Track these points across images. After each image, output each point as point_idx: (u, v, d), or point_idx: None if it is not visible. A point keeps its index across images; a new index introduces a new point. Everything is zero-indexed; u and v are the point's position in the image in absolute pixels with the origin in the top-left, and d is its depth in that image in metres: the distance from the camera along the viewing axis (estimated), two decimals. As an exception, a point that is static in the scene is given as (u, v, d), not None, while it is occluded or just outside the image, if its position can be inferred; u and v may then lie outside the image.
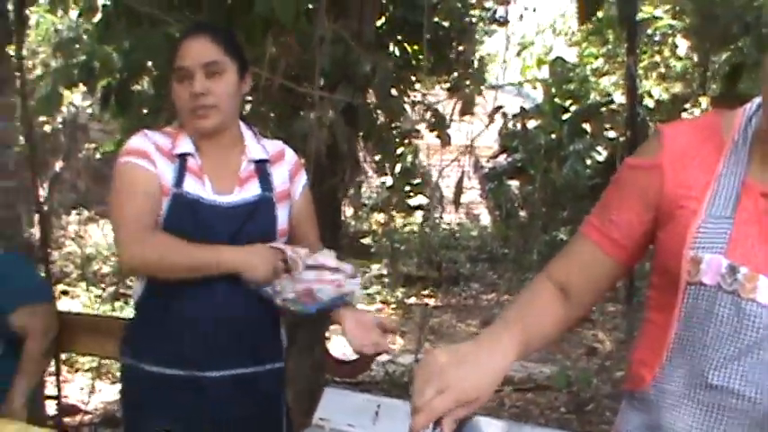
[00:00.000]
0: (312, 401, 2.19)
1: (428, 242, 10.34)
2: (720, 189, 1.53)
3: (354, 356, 5.49)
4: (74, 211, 11.29)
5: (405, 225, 10.98)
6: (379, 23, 5.49)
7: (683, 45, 11.02)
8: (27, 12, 4.69)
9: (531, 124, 8.86)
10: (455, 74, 6.86)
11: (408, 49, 6.38)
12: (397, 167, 7.06)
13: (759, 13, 7.81)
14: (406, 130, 6.50)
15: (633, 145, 5.12)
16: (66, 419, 5.12)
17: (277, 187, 2.54)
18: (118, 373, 6.12)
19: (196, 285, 2.43)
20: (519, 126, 7.39)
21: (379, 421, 1.85)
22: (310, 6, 4.07)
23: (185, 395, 2.51)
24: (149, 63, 4.38)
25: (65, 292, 8.49)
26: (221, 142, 2.53)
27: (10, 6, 4.16)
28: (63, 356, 4.87)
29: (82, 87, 5.14)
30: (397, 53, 6.33)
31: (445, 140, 5.03)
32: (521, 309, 1.66)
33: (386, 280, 10.10)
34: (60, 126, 9.18)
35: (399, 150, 7.18)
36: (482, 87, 5.87)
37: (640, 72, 9.82)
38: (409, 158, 7.71)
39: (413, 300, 9.56)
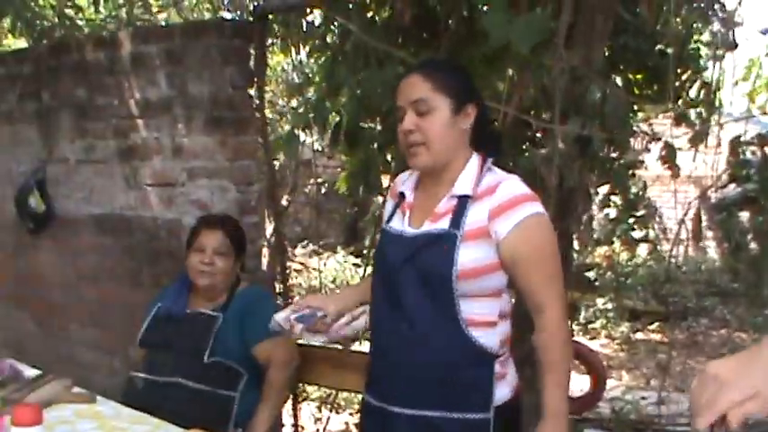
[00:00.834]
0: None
1: (654, 276, 10.06)
2: None
3: (581, 393, 5.36)
4: (299, 245, 11.67)
5: (630, 258, 10.72)
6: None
7: None
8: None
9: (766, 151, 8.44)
10: (680, 102, 6.66)
11: (631, 77, 6.24)
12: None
13: None
14: (631, 161, 6.35)
15: None
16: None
17: (468, 225, 2.45)
18: (342, 403, 6.29)
19: (390, 315, 2.53)
20: (751, 154, 7.05)
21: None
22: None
23: (378, 426, 2.57)
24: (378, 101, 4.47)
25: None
26: (441, 177, 2.55)
27: (251, 50, 4.34)
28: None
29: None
30: (619, 82, 6.19)
31: (675, 172, 4.87)
32: None
33: (610, 314, 9.86)
34: (287, 162, 9.49)
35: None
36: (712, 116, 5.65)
37: None
38: (633, 190, 7.51)
39: (639, 335, 9.30)
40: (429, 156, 2.49)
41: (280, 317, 2.69)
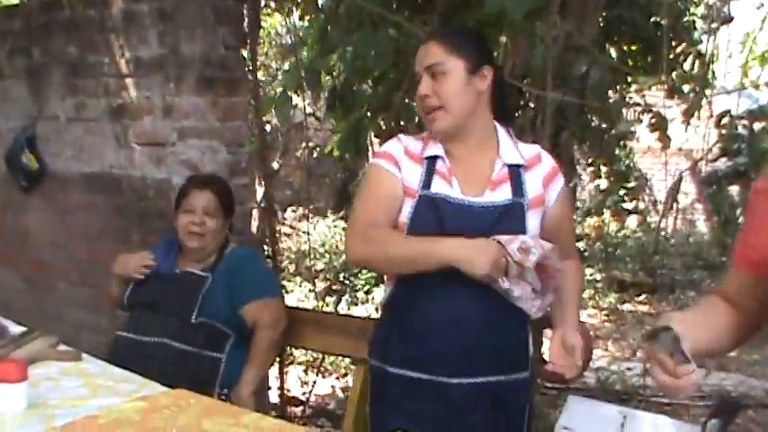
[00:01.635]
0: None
1: (642, 247, 10.10)
2: None
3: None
4: (289, 209, 11.66)
5: (619, 230, 10.75)
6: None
7: None
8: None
9: (755, 126, 8.46)
10: (674, 74, 6.65)
11: (625, 49, 6.22)
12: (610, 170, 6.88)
13: None
14: (622, 132, 6.35)
15: None
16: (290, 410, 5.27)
17: (530, 193, 2.51)
18: (329, 367, 6.32)
19: (442, 286, 2.44)
20: (742, 129, 7.05)
21: (624, 433, 1.80)
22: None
23: (428, 399, 2.52)
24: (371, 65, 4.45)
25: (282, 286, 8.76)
26: (469, 143, 2.54)
27: (245, 10, 4.31)
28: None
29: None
30: (613, 54, 6.17)
31: (666, 144, 4.87)
32: (695, 313, 1.85)
33: (598, 285, 9.90)
34: (279, 125, 9.46)
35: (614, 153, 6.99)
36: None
37: None
38: (624, 161, 7.52)
39: (626, 306, 9.34)
40: (447, 118, 2.51)
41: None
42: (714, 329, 1.80)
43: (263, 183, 5.63)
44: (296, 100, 6.57)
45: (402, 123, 4.74)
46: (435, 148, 2.58)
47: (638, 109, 6.27)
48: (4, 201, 5.46)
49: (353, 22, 4.49)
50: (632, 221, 10.85)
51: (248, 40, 4.40)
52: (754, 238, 1.80)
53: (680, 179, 4.94)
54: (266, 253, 4.90)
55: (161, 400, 2.40)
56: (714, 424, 1.65)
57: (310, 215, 9.61)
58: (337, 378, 6.34)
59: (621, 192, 7.77)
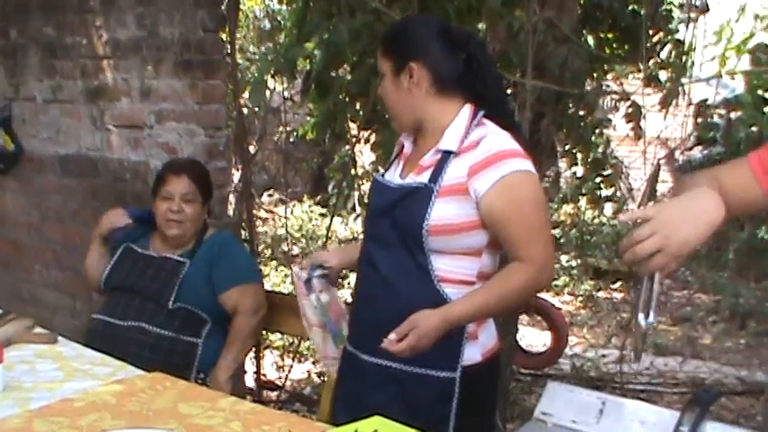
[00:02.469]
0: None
1: (618, 235, 10.12)
2: None
3: (542, 349, 5.38)
4: (266, 193, 11.64)
5: (594, 217, 10.78)
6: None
7: None
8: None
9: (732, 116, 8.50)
10: (650, 63, 6.67)
11: (603, 36, 6.23)
12: (589, 158, 6.90)
13: None
14: (598, 120, 6.37)
15: None
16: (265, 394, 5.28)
17: (445, 181, 2.41)
18: (305, 352, 6.31)
19: (369, 264, 2.57)
20: (718, 118, 7.09)
21: (603, 419, 1.80)
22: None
23: (352, 373, 2.63)
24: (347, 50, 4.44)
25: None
26: (426, 130, 2.56)
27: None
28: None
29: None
30: (591, 42, 6.18)
31: (638, 133, 4.90)
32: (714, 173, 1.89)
33: (574, 272, 9.93)
34: (256, 110, 9.42)
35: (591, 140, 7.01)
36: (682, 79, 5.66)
37: None
38: (600, 149, 7.54)
39: (601, 293, 9.39)
40: (397, 121, 2.61)
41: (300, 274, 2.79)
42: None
43: (239, 167, 5.61)
44: (273, 84, 6.54)
45: (379, 108, 4.73)
46: (407, 138, 2.66)
47: (615, 97, 6.29)
48: (-22, 182, 5.42)
49: (332, 6, 4.48)
50: (609, 209, 10.88)
51: (227, 24, 4.38)
52: None
53: (658, 168, 4.97)
54: (243, 237, 4.88)
55: (137, 383, 2.40)
56: (692, 411, 1.67)
57: (287, 200, 9.57)
58: (313, 363, 6.34)
59: (598, 179, 7.78)
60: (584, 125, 5.72)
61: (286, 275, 8.67)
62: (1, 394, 2.28)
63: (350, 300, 2.77)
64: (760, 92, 9.59)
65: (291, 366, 5.67)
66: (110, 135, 4.58)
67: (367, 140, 5.28)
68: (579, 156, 6.74)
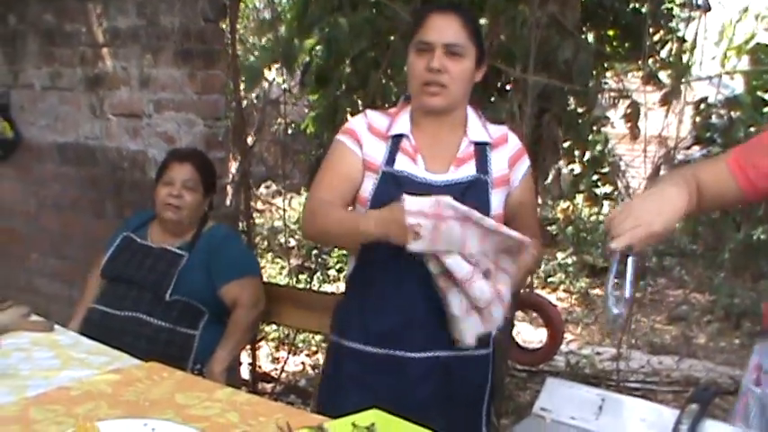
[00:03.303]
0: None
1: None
2: None
3: (537, 345, 5.38)
4: (263, 185, 11.61)
5: (591, 215, 10.76)
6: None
7: None
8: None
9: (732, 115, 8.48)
10: (650, 61, 6.65)
11: (603, 34, 6.21)
12: (586, 155, 6.90)
13: None
14: (596, 117, 6.36)
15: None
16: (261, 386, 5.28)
17: (494, 172, 2.52)
18: (300, 344, 6.31)
19: (397, 261, 2.41)
20: (716, 118, 7.08)
21: (602, 416, 1.80)
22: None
23: (383, 373, 2.52)
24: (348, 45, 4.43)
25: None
26: (443, 123, 2.54)
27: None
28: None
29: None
30: (591, 39, 6.17)
31: (635, 133, 4.90)
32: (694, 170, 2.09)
33: (570, 269, 9.92)
34: (255, 101, 9.40)
35: (589, 138, 7.00)
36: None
37: None
38: (598, 147, 7.54)
39: (597, 291, 9.38)
40: (446, 99, 2.49)
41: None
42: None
43: (237, 158, 5.60)
44: (272, 75, 6.52)
45: (378, 102, 4.72)
46: (401, 126, 2.57)
47: (614, 94, 6.28)
48: (-24, 170, 5.41)
49: (331, 3, 4.47)
50: (606, 207, 10.86)
51: (228, 14, 4.36)
52: (758, 158, 2.03)
53: (658, 168, 4.96)
54: (240, 228, 4.88)
55: (134, 373, 2.39)
56: (693, 409, 1.66)
57: (284, 191, 9.55)
58: (308, 355, 6.34)
59: (595, 177, 7.76)
60: (583, 122, 5.72)
61: (282, 267, 8.67)
62: (-3, 382, 2.28)
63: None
64: (759, 93, 9.59)
65: (287, 359, 5.67)
66: (108, 124, 4.57)
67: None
68: (577, 153, 6.73)
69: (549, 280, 9.64)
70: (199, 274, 3.43)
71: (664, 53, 5.96)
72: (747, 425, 1.97)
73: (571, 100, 4.96)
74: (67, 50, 4.72)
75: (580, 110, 5.41)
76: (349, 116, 5.27)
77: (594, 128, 6.71)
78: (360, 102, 4.92)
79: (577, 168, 7.69)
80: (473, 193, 2.47)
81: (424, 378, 2.51)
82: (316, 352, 6.38)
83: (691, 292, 9.14)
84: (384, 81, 4.65)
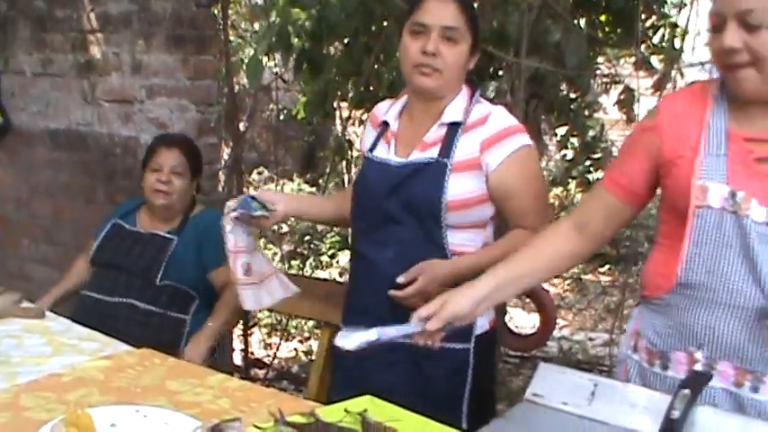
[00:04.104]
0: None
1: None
2: (711, 135, 1.94)
3: (530, 330, 5.38)
4: (255, 171, 11.58)
5: (584, 201, 10.78)
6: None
7: None
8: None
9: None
10: (642, 47, 6.63)
11: (595, 19, 6.20)
12: (577, 140, 6.89)
13: None
14: (588, 102, 6.35)
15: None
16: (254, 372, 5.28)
17: (458, 156, 2.45)
18: (293, 330, 6.31)
19: (373, 245, 2.51)
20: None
21: (594, 401, 1.79)
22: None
23: (358, 358, 2.53)
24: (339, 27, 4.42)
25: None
26: (431, 106, 2.52)
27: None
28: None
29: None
30: (582, 25, 6.16)
31: (631, 117, 4.90)
32: (518, 256, 2.17)
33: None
34: (247, 86, 9.37)
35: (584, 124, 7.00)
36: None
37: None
38: (591, 133, 7.55)
39: (589, 276, 9.38)
40: (438, 81, 2.47)
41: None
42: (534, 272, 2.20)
43: (229, 143, 5.58)
44: (265, 61, 6.50)
45: (372, 88, 4.71)
46: (391, 113, 2.62)
47: (606, 80, 6.27)
48: (-33, 156, 5.39)
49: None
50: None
51: (219, -1, 4.35)
52: (629, 166, 2.10)
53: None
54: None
55: (126, 359, 2.39)
56: (685, 394, 1.66)
57: (277, 177, 9.54)
58: (300, 341, 6.33)
59: (588, 162, 7.76)
60: (576, 108, 5.71)
61: (275, 253, 8.66)
62: (-12, 368, 2.27)
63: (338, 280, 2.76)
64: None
65: (279, 344, 5.67)
66: (100, 110, 4.55)
67: (361, 121, 5.25)
68: (571, 139, 6.72)
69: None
70: (188, 258, 3.43)
71: (656, 39, 5.94)
72: None
73: (564, 86, 4.95)
74: (59, 36, 4.70)
75: (573, 95, 5.41)
76: (341, 102, 5.26)
77: (587, 113, 6.72)
78: (353, 88, 4.91)
79: (570, 154, 7.69)
80: (423, 175, 2.44)
81: (392, 364, 2.48)
82: (308, 338, 6.38)
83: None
84: (377, 67, 4.64)
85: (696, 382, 1.75)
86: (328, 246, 8.75)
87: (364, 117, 5.18)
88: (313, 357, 3.88)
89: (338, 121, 5.99)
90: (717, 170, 1.90)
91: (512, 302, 7.06)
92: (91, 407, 1.91)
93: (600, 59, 6.58)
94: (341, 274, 7.73)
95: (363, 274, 2.60)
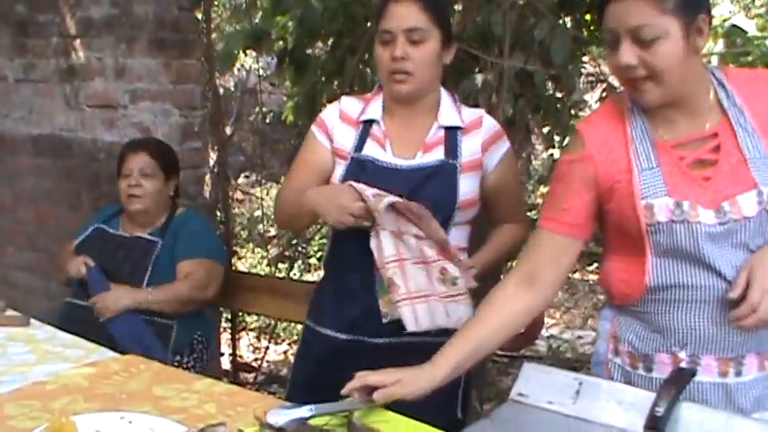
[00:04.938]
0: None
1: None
2: (639, 150, 1.96)
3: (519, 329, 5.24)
4: (242, 174, 11.55)
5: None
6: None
7: None
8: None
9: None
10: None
11: (580, 18, 6.21)
12: (566, 140, 6.90)
13: None
14: (574, 101, 6.36)
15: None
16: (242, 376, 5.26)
17: (464, 156, 2.51)
18: (281, 333, 6.30)
19: (364, 250, 2.46)
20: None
21: (579, 400, 1.79)
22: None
23: (352, 358, 2.51)
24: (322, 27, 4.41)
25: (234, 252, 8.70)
26: (415, 108, 2.54)
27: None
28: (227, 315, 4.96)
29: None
30: (569, 24, 6.16)
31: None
32: (470, 328, 2.11)
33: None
34: (232, 90, 9.35)
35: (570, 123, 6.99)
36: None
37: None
38: (577, 131, 7.52)
39: (576, 275, 9.40)
40: (413, 84, 2.48)
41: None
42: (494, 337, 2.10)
43: (215, 148, 5.57)
44: (249, 63, 6.48)
45: (356, 89, 4.70)
46: (373, 112, 2.60)
47: (591, 79, 6.28)
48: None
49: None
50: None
51: (202, 2, 4.33)
52: (569, 201, 2.05)
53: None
54: (219, 219, 4.85)
55: (111, 366, 2.38)
56: (669, 391, 1.67)
57: (263, 181, 9.54)
58: (290, 344, 6.33)
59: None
60: (561, 106, 5.71)
61: (263, 257, 8.64)
62: (-29, 377, 2.26)
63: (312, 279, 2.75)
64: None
65: (267, 348, 5.66)
66: (83, 115, 4.53)
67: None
68: (557, 138, 6.72)
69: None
70: (170, 259, 3.42)
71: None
72: None
73: (549, 85, 4.95)
74: (41, 41, 4.67)
75: (559, 94, 5.41)
76: (327, 104, 5.25)
77: (573, 112, 6.72)
78: (338, 89, 4.90)
79: (557, 153, 7.69)
80: (439, 177, 2.48)
81: (389, 364, 2.48)
82: (297, 341, 6.37)
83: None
84: (361, 67, 4.63)
85: (680, 379, 1.75)
86: (316, 249, 8.73)
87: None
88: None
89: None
90: (656, 185, 1.93)
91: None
92: (76, 414, 1.90)
93: (585, 58, 6.59)
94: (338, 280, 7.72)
95: (357, 277, 2.56)
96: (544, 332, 6.61)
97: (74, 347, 2.60)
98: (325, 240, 8.58)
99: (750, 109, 1.95)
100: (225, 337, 5.01)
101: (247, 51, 5.96)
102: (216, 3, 8.99)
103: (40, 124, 4.77)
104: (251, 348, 6.11)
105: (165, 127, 4.22)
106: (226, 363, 5.00)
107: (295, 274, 7.53)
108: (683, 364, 1.97)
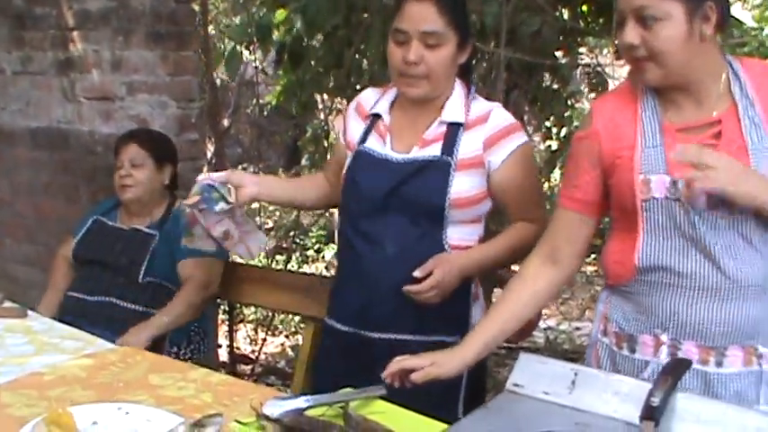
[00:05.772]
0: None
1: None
2: (646, 128, 2.00)
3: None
4: (240, 166, 11.56)
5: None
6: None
7: None
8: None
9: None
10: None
11: (578, 9, 6.20)
12: (563, 131, 6.90)
13: None
14: (571, 92, 6.36)
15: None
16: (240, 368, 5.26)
17: (462, 154, 2.45)
18: (279, 325, 6.30)
19: (369, 240, 2.48)
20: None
21: (575, 390, 1.80)
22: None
23: (353, 352, 2.53)
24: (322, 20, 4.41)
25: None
26: (424, 106, 2.51)
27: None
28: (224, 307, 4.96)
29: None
30: (566, 16, 6.16)
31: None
32: (499, 304, 2.24)
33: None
34: (228, 81, 9.34)
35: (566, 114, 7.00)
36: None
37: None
38: (575, 123, 7.54)
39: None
40: (425, 88, 2.45)
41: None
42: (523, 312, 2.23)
43: (213, 139, 5.57)
44: (247, 56, 6.48)
45: (352, 79, 4.70)
46: (382, 106, 2.59)
47: (588, 70, 6.28)
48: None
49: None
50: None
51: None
52: (579, 178, 2.12)
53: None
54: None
55: (108, 357, 2.39)
56: (665, 381, 1.67)
57: (260, 172, 9.54)
58: (287, 336, 6.33)
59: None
60: (558, 98, 5.72)
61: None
62: (-31, 369, 2.26)
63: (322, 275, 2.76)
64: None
65: (265, 340, 5.66)
66: (81, 107, 4.53)
67: (339, 111, 5.24)
68: (554, 130, 6.73)
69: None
70: (167, 252, 3.42)
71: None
72: None
73: (548, 75, 4.95)
74: (38, 34, 4.67)
75: (555, 86, 5.41)
76: (317, 96, 5.24)
77: (569, 103, 6.72)
78: (333, 79, 4.90)
79: (554, 145, 7.69)
80: (428, 173, 2.44)
81: (386, 361, 2.47)
82: (295, 333, 6.37)
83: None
84: (358, 58, 4.63)
85: (676, 369, 1.76)
86: (314, 240, 8.74)
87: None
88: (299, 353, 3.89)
89: (322, 115, 5.99)
90: (656, 162, 1.97)
91: (498, 293, 7.06)
92: (73, 403, 1.91)
93: (582, 49, 6.58)
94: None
95: (355, 269, 2.56)
96: (541, 324, 6.62)
97: (72, 339, 2.61)
98: (322, 232, 8.62)
99: (762, 100, 1.97)
100: (222, 328, 5.02)
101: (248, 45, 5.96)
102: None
103: (38, 117, 4.77)
104: (248, 340, 6.11)
105: (162, 119, 4.22)
106: (223, 354, 4.99)
107: (293, 266, 7.53)
108: (664, 348, 2.01)
